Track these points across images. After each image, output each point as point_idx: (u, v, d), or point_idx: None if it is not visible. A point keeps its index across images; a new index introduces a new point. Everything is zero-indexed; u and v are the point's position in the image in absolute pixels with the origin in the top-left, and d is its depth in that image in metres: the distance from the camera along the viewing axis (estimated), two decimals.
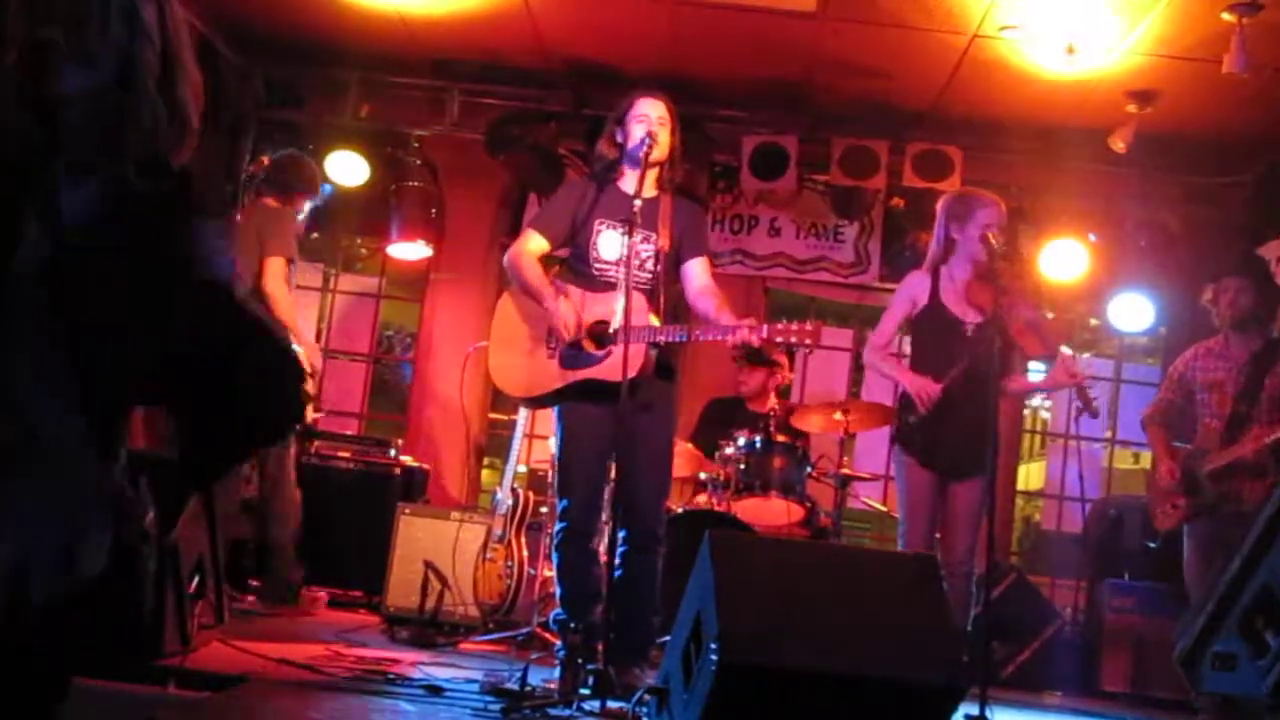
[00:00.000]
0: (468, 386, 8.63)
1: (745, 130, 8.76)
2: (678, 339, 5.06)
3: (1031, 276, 8.24)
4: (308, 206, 7.44)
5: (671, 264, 5.26)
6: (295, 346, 6.79)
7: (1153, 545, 6.85)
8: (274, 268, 6.76)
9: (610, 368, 4.99)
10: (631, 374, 4.83)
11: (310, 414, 7.68)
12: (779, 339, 4.92)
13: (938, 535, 5.84)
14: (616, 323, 4.97)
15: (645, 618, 5.17)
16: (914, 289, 5.95)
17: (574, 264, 5.32)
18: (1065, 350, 6.08)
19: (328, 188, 7.82)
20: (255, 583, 7.24)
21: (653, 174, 5.26)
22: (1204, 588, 5.69)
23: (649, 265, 5.18)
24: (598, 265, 5.20)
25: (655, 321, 5.07)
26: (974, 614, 5.93)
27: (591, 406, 5.12)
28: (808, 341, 4.91)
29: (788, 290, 9.68)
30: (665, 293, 5.19)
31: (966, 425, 5.53)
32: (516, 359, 5.26)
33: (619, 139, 5.25)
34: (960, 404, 5.61)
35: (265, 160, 7.66)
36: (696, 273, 5.29)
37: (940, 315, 5.84)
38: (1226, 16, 6.60)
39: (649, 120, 5.18)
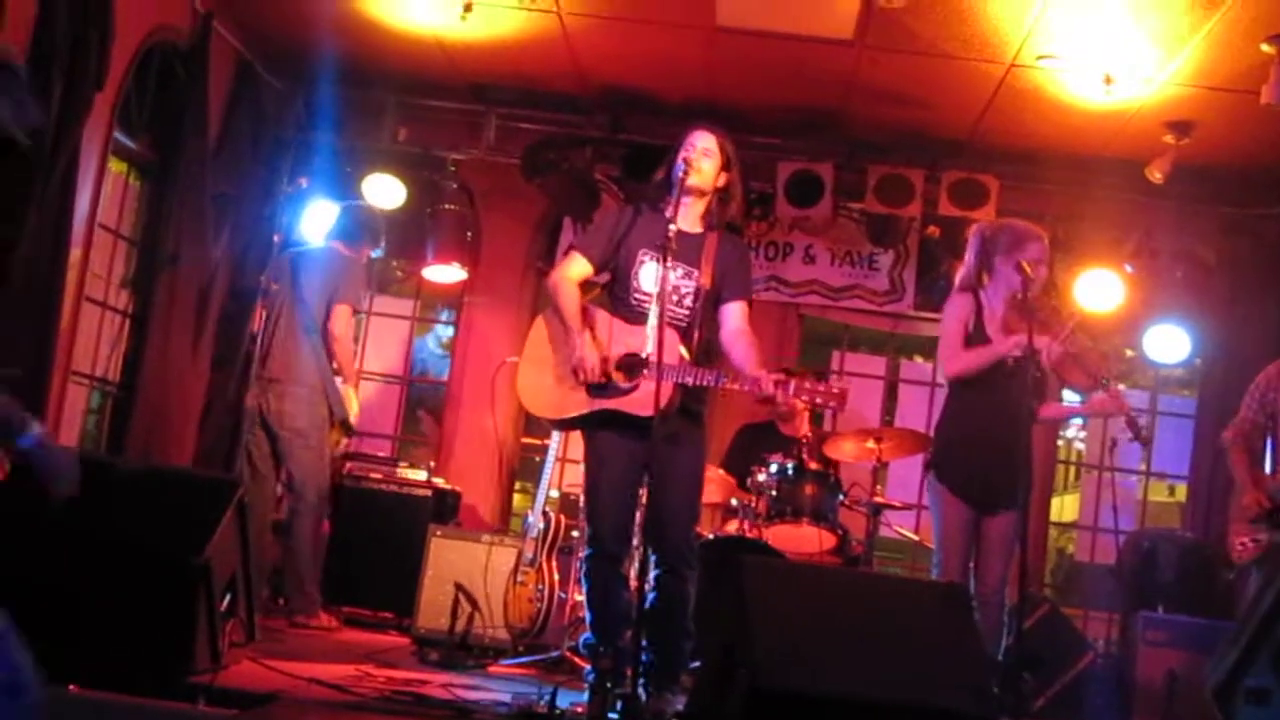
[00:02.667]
0: (501, 411, 8.65)
1: (781, 157, 8.76)
2: (705, 383, 5.03)
3: (1070, 308, 8.19)
4: (372, 255, 7.94)
5: (711, 302, 5.24)
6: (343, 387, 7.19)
7: (1230, 577, 6.64)
8: (341, 314, 7.29)
9: (636, 401, 4.99)
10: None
11: (343, 443, 7.77)
12: (804, 398, 4.86)
13: (972, 565, 5.81)
14: (648, 350, 4.96)
15: (677, 643, 5.15)
16: (964, 312, 5.90)
17: (615, 291, 5.32)
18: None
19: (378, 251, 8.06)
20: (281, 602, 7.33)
21: (697, 207, 5.24)
22: None
23: (687, 302, 5.17)
24: (636, 296, 5.19)
25: (685, 355, 5.05)
26: (1005, 644, 5.89)
27: (619, 435, 5.12)
28: (832, 404, 4.85)
29: (822, 318, 9.67)
30: (700, 331, 5.17)
31: (1001, 456, 5.50)
32: (545, 380, 5.27)
33: (672, 171, 5.24)
34: (994, 432, 5.59)
35: (304, 181, 7.79)
36: (733, 315, 5.26)
37: (983, 343, 5.82)
38: (1265, 48, 6.57)
39: (692, 149, 5.19)
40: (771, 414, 8.05)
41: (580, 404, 5.15)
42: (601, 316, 5.21)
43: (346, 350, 7.42)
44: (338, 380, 7.32)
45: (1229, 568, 6.48)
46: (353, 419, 7.46)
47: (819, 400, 4.82)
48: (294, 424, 7.14)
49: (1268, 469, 6.31)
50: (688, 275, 5.16)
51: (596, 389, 5.11)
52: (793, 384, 4.82)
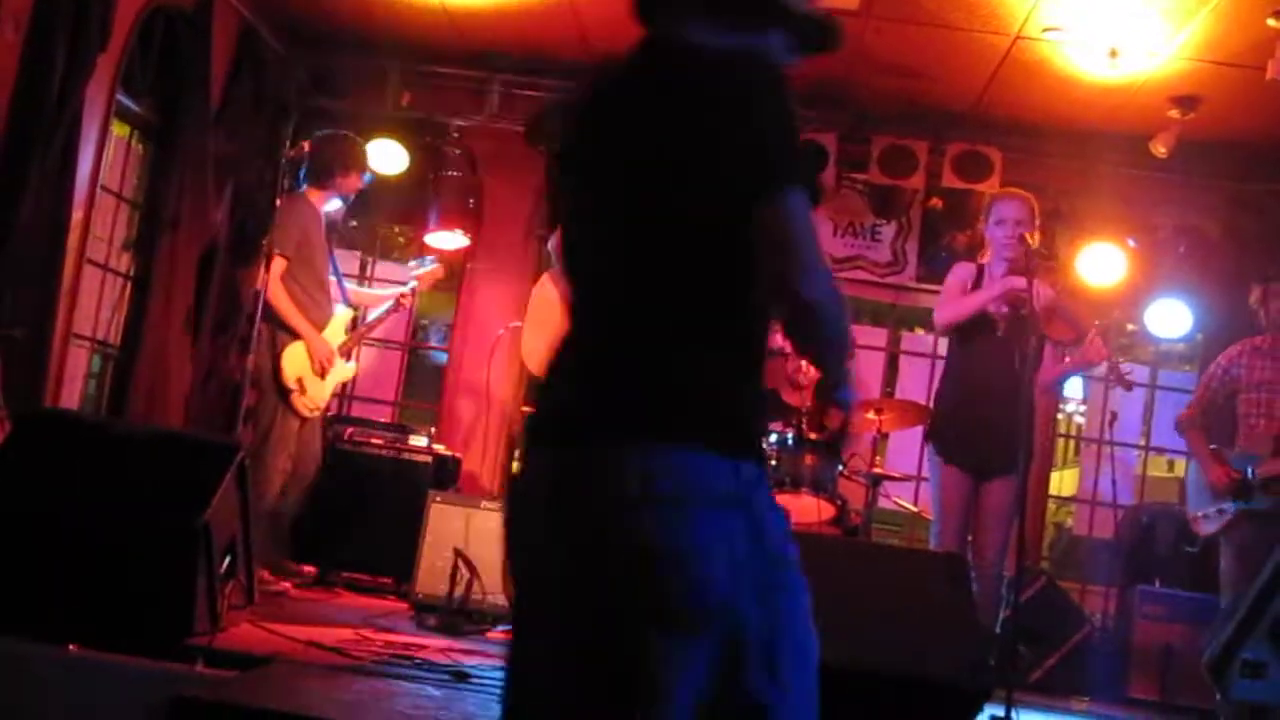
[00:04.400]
0: (501, 377, 8.65)
1: None
2: None
3: (1062, 269, 8.20)
4: (362, 183, 7.61)
5: None
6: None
7: (1191, 550, 6.74)
8: (272, 267, 6.97)
9: None
10: None
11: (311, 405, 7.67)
12: None
13: (970, 537, 5.83)
14: None
15: None
16: (964, 277, 5.98)
17: None
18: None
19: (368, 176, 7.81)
20: None
21: None
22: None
23: None
24: None
25: None
26: (1003, 616, 5.92)
27: None
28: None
29: None
30: None
31: (998, 421, 5.53)
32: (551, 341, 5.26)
33: None
34: (992, 400, 5.61)
35: (305, 146, 7.64)
36: None
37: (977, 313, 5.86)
38: (1272, 23, 6.54)
39: None
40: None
41: None
42: None
43: (283, 307, 7.11)
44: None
45: (1192, 541, 6.60)
46: (290, 374, 7.19)
47: None
48: (256, 375, 7.10)
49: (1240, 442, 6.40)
50: None
51: None
52: None
